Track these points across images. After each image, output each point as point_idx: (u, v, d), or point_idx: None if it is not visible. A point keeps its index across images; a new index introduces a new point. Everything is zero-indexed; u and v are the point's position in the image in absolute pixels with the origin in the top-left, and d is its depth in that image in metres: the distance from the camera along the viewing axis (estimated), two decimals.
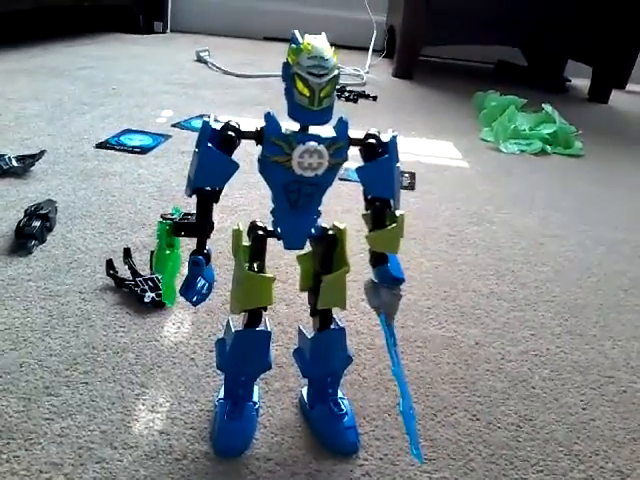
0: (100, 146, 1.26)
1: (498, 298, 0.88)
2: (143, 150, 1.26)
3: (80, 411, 0.59)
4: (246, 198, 1.08)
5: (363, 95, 1.98)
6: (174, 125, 1.45)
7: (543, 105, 1.76)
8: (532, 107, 1.81)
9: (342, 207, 1.05)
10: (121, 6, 2.69)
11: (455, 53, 2.99)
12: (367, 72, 2.37)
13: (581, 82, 2.68)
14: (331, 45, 0.45)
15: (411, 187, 1.25)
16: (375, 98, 1.98)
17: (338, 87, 1.83)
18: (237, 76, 2.10)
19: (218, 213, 1.00)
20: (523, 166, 1.51)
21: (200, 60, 2.25)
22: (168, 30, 2.91)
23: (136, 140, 1.31)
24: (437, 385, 0.68)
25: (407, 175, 1.30)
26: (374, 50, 2.73)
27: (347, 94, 1.94)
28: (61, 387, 0.61)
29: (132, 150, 1.26)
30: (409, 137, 1.61)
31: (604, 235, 1.14)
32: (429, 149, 1.54)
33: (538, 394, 0.69)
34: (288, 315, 0.77)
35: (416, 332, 0.77)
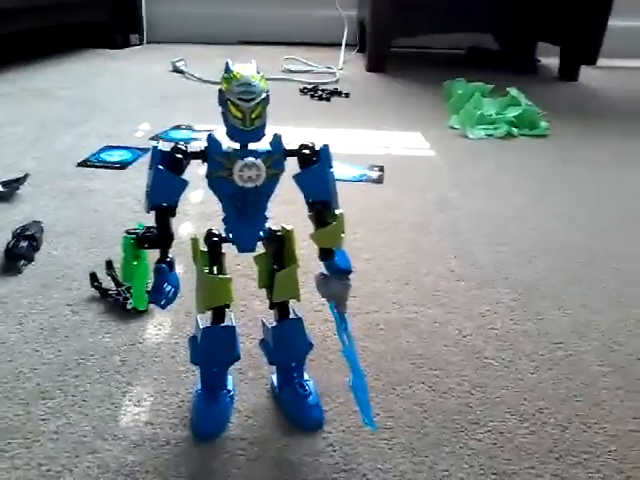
0: (82, 164, 1.33)
1: (458, 279, 0.94)
2: (123, 165, 1.33)
3: (73, 410, 0.65)
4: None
5: (336, 92, 2.05)
6: (152, 138, 1.51)
7: (508, 89, 1.82)
8: (501, 91, 1.87)
9: None
10: (96, 22, 2.75)
11: (428, 42, 3.03)
12: (341, 69, 2.43)
13: (553, 61, 2.73)
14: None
15: (380, 181, 1.31)
16: (347, 95, 2.04)
17: (311, 87, 1.88)
18: (213, 83, 2.16)
19: (196, 221, 1.07)
20: (490, 150, 1.57)
21: (176, 70, 2.32)
22: (144, 42, 2.97)
23: (116, 156, 1.38)
24: (397, 362, 0.75)
25: (376, 169, 1.37)
26: (349, 45, 2.79)
27: (320, 93, 2.00)
28: (55, 391, 0.68)
29: (112, 166, 1.32)
30: (380, 130, 1.68)
31: (563, 211, 1.21)
32: (398, 141, 1.61)
33: (491, 364, 0.76)
34: (262, 310, 0.83)
35: (378, 316, 0.84)
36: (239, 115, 0.51)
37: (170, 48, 2.85)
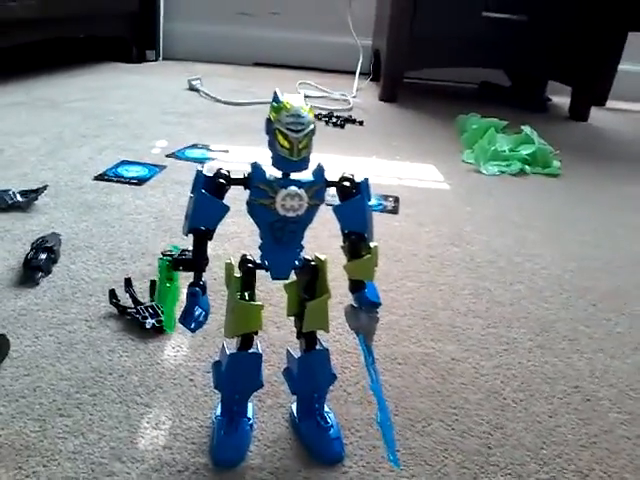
0: (98, 178, 1.33)
1: (474, 316, 0.94)
2: (140, 181, 1.33)
3: (91, 430, 0.65)
4: (239, 226, 1.14)
5: (350, 120, 2.06)
6: (168, 155, 1.52)
7: (522, 126, 1.83)
8: (513, 128, 1.89)
9: (329, 232, 1.11)
10: (114, 36, 2.77)
11: (440, 75, 3.06)
12: (354, 97, 2.45)
13: (563, 100, 2.76)
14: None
15: (395, 211, 1.31)
16: (362, 123, 2.05)
17: (325, 113, 1.89)
18: (228, 104, 2.17)
19: (213, 241, 1.07)
20: (502, 187, 1.58)
21: (192, 88, 2.33)
22: (160, 58, 2.99)
23: (133, 171, 1.38)
24: (415, 398, 0.74)
25: (391, 199, 1.37)
26: (362, 73, 2.82)
27: (335, 120, 2.02)
28: (72, 409, 0.67)
29: (129, 181, 1.32)
30: (393, 161, 1.69)
31: (575, 252, 1.21)
32: (412, 172, 1.62)
33: (509, 404, 0.75)
34: (279, 337, 0.83)
35: (396, 350, 0.83)
36: (287, 145, 0.51)
37: (185, 65, 2.87)
